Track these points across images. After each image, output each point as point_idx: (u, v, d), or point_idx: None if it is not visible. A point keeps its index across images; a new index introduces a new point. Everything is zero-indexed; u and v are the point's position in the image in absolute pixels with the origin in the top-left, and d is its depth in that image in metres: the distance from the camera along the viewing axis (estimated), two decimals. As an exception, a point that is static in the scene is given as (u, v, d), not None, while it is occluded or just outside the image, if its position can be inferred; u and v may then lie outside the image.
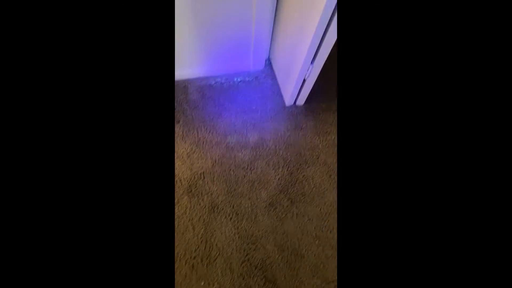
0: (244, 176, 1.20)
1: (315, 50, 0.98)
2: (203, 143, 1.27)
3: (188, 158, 1.23)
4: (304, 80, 1.19)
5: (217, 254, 1.05)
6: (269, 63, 1.52)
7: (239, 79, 1.47)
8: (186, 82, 1.44)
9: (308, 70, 1.10)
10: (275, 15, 1.21)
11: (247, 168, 1.22)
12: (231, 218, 1.11)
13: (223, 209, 1.13)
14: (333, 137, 1.32)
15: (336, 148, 1.29)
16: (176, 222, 1.10)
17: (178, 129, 1.30)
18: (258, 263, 1.03)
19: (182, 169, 1.20)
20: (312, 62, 1.05)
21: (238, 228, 1.09)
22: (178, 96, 1.41)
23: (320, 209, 1.14)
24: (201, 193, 1.16)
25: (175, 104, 1.38)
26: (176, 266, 1.02)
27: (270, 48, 1.45)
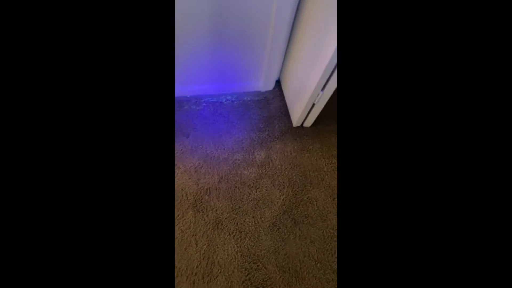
0: (249, 194, 1.22)
1: (327, 78, 1.02)
2: (211, 158, 1.30)
3: (195, 172, 1.25)
4: (313, 104, 1.22)
5: (219, 271, 1.05)
6: (278, 84, 1.57)
7: (249, 98, 1.51)
8: (198, 98, 1.48)
9: (318, 96, 1.14)
10: (289, 40, 1.26)
11: (252, 186, 1.24)
12: (234, 236, 1.12)
13: (227, 226, 1.14)
14: (338, 161, 1.34)
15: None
16: (179, 236, 1.11)
17: (187, 143, 1.33)
18: (259, 283, 1.03)
19: (188, 184, 1.22)
20: (322, 89, 1.09)
21: (240, 246, 1.10)
22: (190, 111, 1.44)
23: (323, 232, 1.15)
24: (206, 209, 1.17)
25: (186, 117, 1.41)
26: (177, 281, 1.02)
27: (281, 70, 1.49)
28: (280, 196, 1.22)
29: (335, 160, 1.34)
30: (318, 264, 1.08)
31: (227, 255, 1.08)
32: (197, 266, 1.05)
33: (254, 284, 1.03)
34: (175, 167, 1.26)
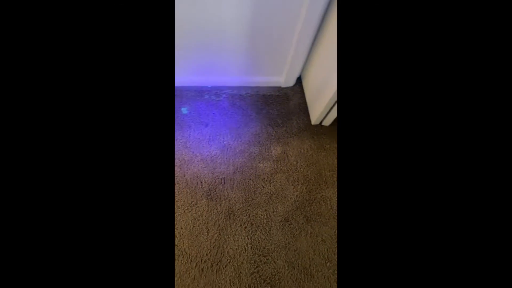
0: (263, 187, 1.21)
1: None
2: (228, 149, 1.30)
3: (212, 161, 1.26)
4: (334, 104, 1.21)
5: (228, 261, 1.05)
6: (299, 81, 1.56)
7: (269, 93, 1.51)
8: (219, 89, 1.49)
9: (341, 93, 1.13)
10: (316, 37, 1.25)
11: (266, 180, 1.24)
12: (245, 227, 1.12)
13: (239, 217, 1.14)
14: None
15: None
16: (191, 223, 1.11)
17: (205, 132, 1.34)
18: (267, 277, 1.03)
19: (204, 172, 1.23)
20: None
21: (251, 238, 1.10)
22: (210, 101, 1.45)
23: (335, 231, 1.13)
24: (220, 198, 1.17)
25: (206, 107, 1.42)
26: (186, 267, 1.03)
27: (303, 67, 1.49)
28: (294, 192, 1.21)
29: (351, 162, 1.33)
30: (328, 263, 1.07)
31: (237, 246, 1.08)
32: (206, 254, 1.06)
33: (262, 277, 1.03)
34: (192, 155, 1.27)
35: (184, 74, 1.40)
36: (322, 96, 1.25)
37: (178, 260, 1.04)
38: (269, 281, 1.02)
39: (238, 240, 1.09)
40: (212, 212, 1.14)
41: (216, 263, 1.04)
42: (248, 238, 1.10)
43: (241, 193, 1.19)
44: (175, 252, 1.05)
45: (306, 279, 1.04)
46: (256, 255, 1.07)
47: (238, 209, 1.16)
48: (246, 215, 1.14)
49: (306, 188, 1.23)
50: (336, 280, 1.04)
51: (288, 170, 1.27)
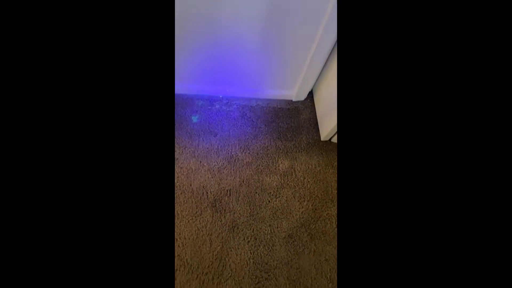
0: (269, 202, 1.21)
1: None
2: (235, 160, 1.30)
3: (218, 172, 1.26)
4: (345, 121, 1.20)
5: (229, 275, 1.04)
6: (310, 95, 1.56)
7: (279, 106, 1.51)
8: (230, 99, 1.50)
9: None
10: (330, 53, 1.25)
11: (272, 194, 1.23)
12: (248, 242, 1.11)
13: (242, 230, 1.13)
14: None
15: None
16: (195, 234, 1.11)
17: (214, 142, 1.34)
18: (268, 294, 1.02)
19: (210, 182, 1.23)
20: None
21: (254, 253, 1.09)
22: (220, 111, 1.46)
23: (339, 252, 1.12)
24: (224, 210, 1.17)
25: (216, 117, 1.43)
26: (187, 278, 1.02)
27: (315, 82, 1.48)
28: (299, 208, 1.20)
29: (359, 180, 1.31)
30: (330, 284, 1.05)
31: (240, 259, 1.07)
32: (208, 266, 1.05)
33: (263, 293, 1.02)
34: (199, 164, 1.27)
35: (196, 83, 1.42)
36: (333, 113, 1.24)
37: (179, 271, 1.03)
38: (269, 298, 1.01)
39: (240, 254, 1.08)
40: (216, 223, 1.14)
41: (217, 276, 1.04)
42: (250, 253, 1.09)
43: (246, 206, 1.19)
44: (177, 262, 1.05)
45: (307, 299, 1.02)
46: (257, 271, 1.06)
47: (242, 222, 1.15)
48: (250, 229, 1.14)
49: (312, 205, 1.22)
50: (337, 302, 1.02)
51: (294, 185, 1.26)
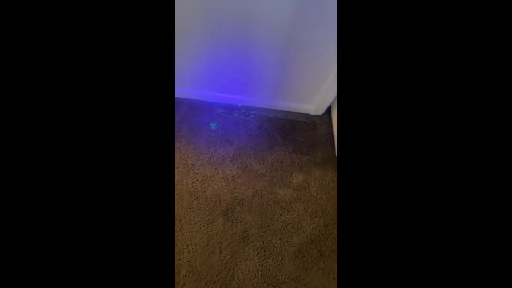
0: (280, 215, 1.21)
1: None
2: (250, 170, 1.31)
3: (232, 181, 1.27)
4: (363, 140, 1.20)
5: (237, 286, 1.04)
6: (329, 110, 1.56)
7: (296, 119, 1.52)
8: (248, 109, 1.52)
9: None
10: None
11: (285, 207, 1.23)
12: (258, 253, 1.11)
13: (253, 241, 1.14)
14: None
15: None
16: (205, 241, 1.12)
17: (230, 151, 1.36)
18: (274, 309, 1.01)
19: (224, 191, 1.24)
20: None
21: (263, 265, 1.09)
22: (238, 120, 1.48)
23: (348, 272, 1.10)
24: (236, 220, 1.18)
25: (234, 125, 1.45)
26: (195, 285, 1.03)
27: (335, 98, 1.49)
28: (310, 224, 1.20)
29: (373, 200, 1.30)
30: (338, 305, 1.04)
31: (248, 271, 1.08)
32: (217, 275, 1.06)
33: (269, 308, 1.01)
34: (215, 171, 1.29)
35: (216, 91, 1.44)
36: (351, 131, 1.24)
37: (188, 277, 1.05)
38: (275, 313, 1.01)
39: (249, 265, 1.09)
40: (227, 232, 1.15)
41: (225, 285, 1.04)
42: (259, 265, 1.09)
43: (258, 217, 1.19)
44: (186, 269, 1.06)
45: (313, 317, 1.01)
46: (265, 284, 1.06)
47: (253, 233, 1.15)
48: (261, 240, 1.14)
49: (323, 222, 1.21)
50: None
51: (307, 200, 1.26)
